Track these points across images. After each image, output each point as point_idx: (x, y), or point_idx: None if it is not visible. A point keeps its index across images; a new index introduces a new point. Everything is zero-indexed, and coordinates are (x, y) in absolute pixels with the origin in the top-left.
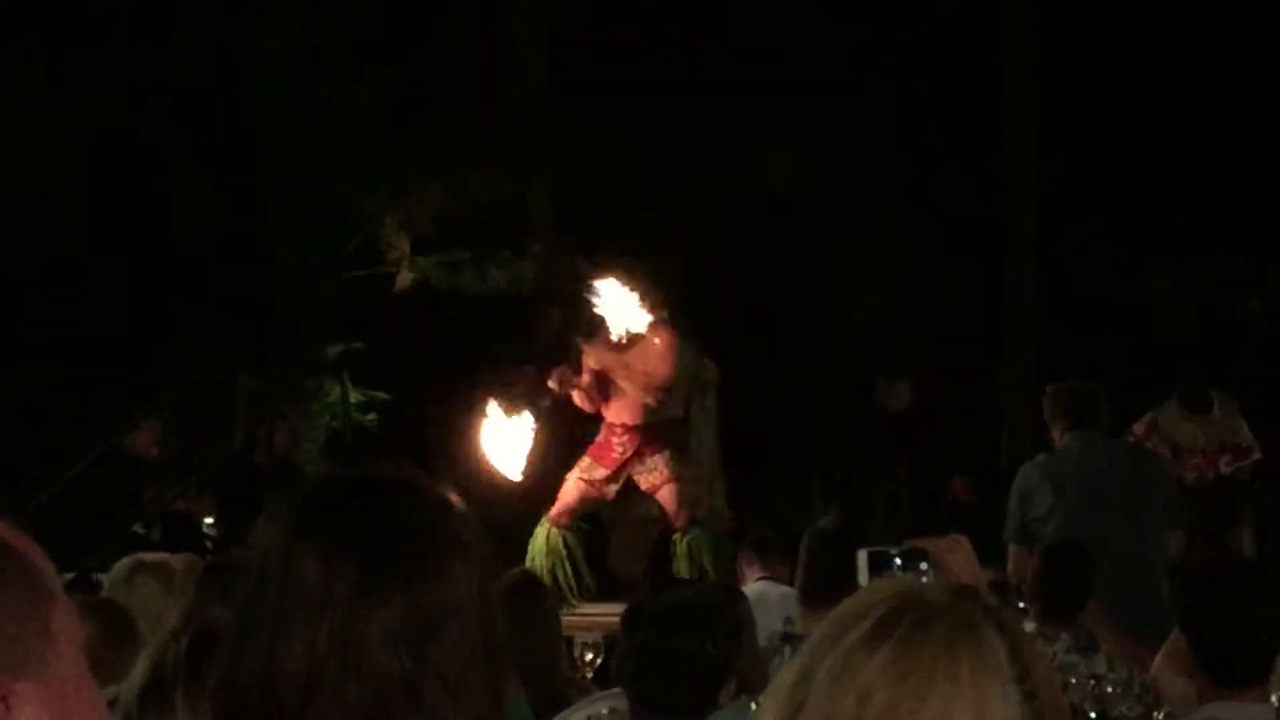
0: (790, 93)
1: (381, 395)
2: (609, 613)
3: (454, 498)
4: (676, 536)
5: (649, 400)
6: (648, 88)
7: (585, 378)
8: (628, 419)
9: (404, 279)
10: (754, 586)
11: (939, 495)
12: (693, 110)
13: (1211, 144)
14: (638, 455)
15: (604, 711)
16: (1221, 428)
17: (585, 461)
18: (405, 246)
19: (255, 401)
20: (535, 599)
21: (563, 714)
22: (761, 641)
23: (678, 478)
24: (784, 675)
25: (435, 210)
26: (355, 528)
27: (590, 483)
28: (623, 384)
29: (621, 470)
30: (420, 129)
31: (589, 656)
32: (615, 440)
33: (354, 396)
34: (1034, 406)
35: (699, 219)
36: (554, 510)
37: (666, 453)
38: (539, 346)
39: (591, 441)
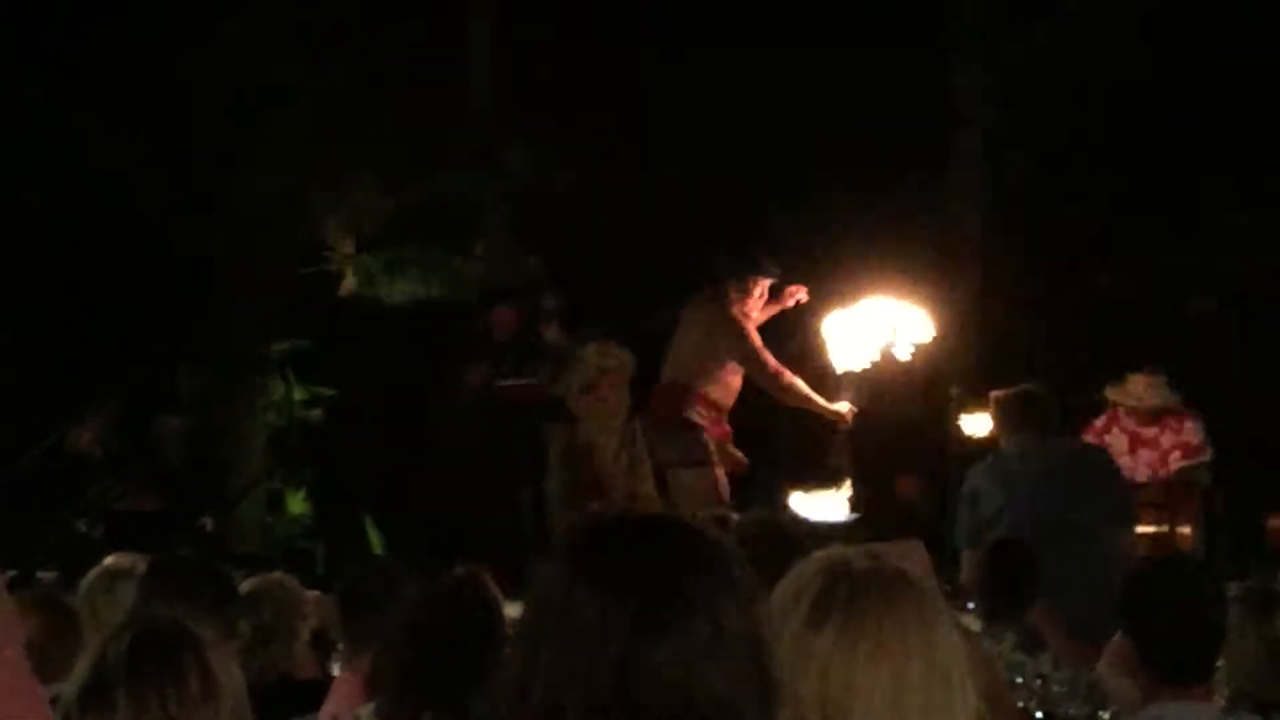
0: (743, 94)
1: (326, 392)
2: None
3: (719, 533)
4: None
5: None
6: (599, 89)
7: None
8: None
9: (349, 279)
10: None
11: (886, 495)
12: (646, 111)
13: (1159, 142)
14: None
15: None
16: (1167, 393)
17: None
18: (350, 246)
19: (198, 399)
20: None
21: None
22: None
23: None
24: None
25: (381, 210)
26: (631, 565)
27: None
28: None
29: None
30: (367, 129)
31: None
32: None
33: (299, 394)
34: (981, 407)
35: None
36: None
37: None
38: (487, 346)
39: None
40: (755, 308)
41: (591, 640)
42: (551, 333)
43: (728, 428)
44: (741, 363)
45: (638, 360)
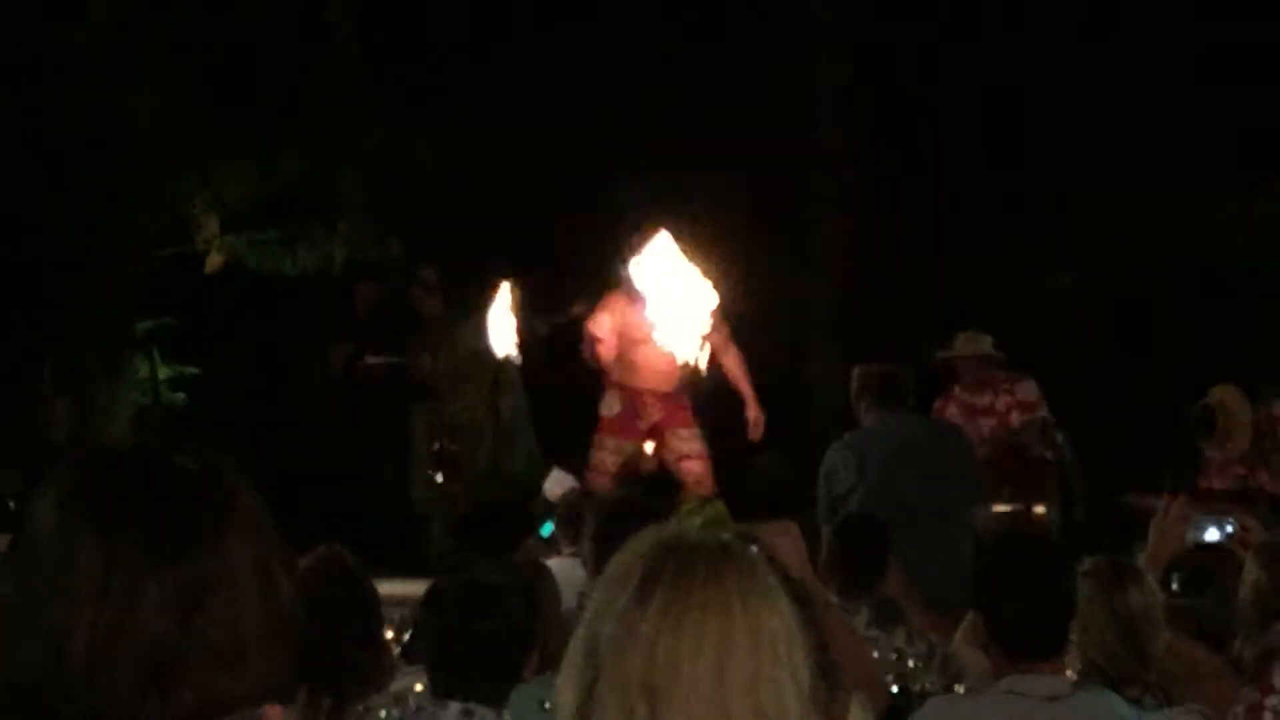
0: (615, 71)
1: (190, 370)
2: None
3: (229, 469)
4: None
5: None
6: (461, 69)
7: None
8: (663, 386)
9: (214, 258)
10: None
11: (744, 471)
12: (509, 91)
13: (1016, 120)
14: (668, 425)
15: (417, 687)
16: (988, 346)
17: (611, 441)
18: (215, 225)
19: (61, 378)
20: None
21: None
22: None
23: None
24: (572, 648)
25: (245, 189)
26: (129, 501)
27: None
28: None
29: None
30: (230, 108)
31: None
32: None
33: (163, 372)
34: (841, 386)
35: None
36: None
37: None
38: (352, 326)
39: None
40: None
41: (92, 581)
42: (432, 305)
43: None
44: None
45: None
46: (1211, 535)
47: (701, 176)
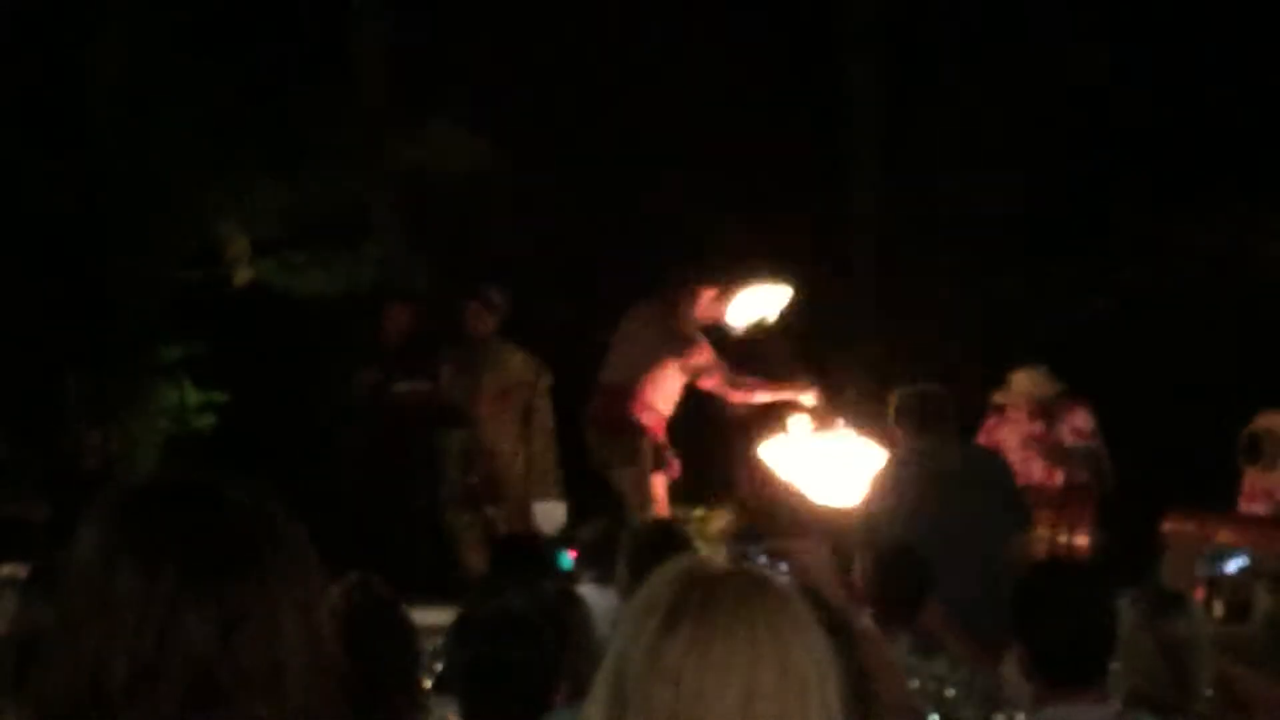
0: (641, 90)
1: (219, 397)
2: None
3: (269, 499)
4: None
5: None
6: (491, 88)
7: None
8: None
9: (242, 279)
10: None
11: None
12: (538, 109)
13: (1055, 140)
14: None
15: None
16: (1052, 383)
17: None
18: (244, 247)
19: (86, 404)
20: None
21: None
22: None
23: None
24: (600, 679)
25: (273, 210)
26: (172, 530)
27: None
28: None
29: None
30: (258, 127)
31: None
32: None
33: (193, 399)
34: (877, 408)
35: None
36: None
37: None
38: (381, 349)
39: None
40: (705, 315)
41: (133, 606)
42: (487, 325)
43: (664, 435)
44: (705, 374)
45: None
46: (1229, 568)
47: (738, 187)
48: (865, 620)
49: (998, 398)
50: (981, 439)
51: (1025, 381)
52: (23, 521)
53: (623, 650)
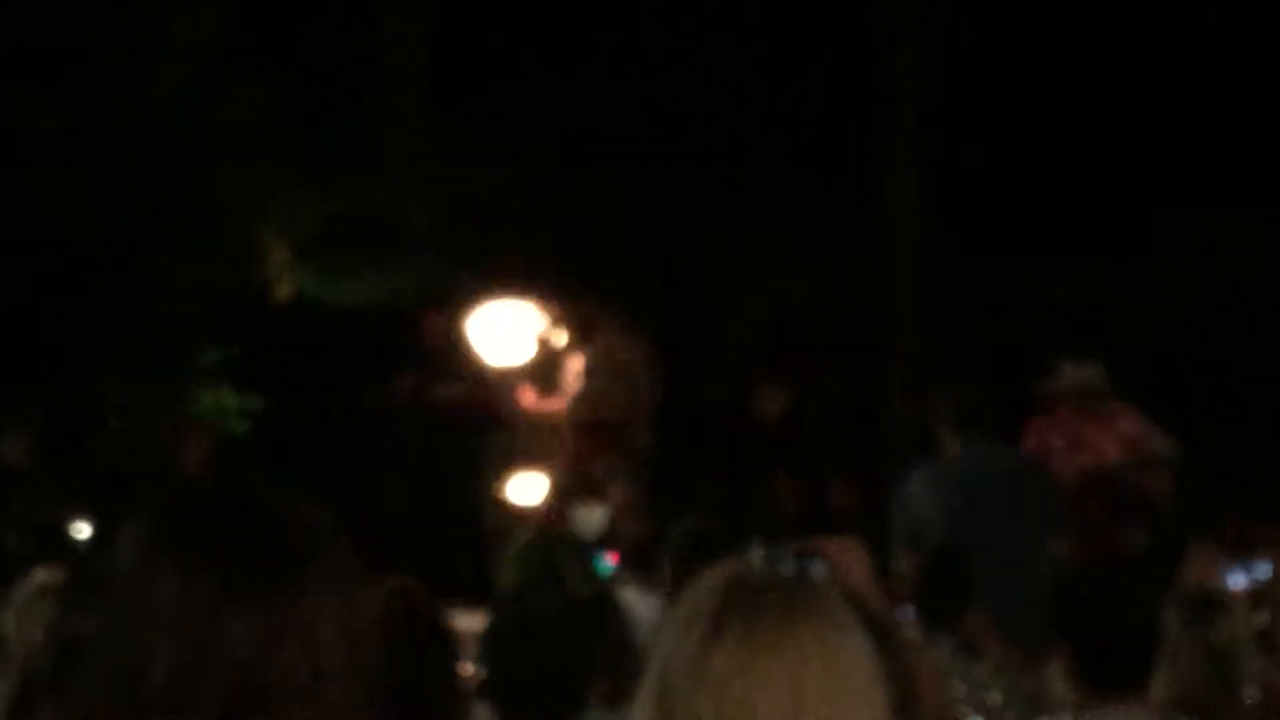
0: (672, 101)
1: (258, 403)
2: None
3: (310, 507)
4: None
5: None
6: (528, 96)
7: None
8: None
9: (281, 287)
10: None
11: (820, 499)
12: (574, 119)
13: (1104, 140)
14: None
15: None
16: (1101, 378)
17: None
18: (282, 254)
19: (126, 410)
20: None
21: None
22: None
23: None
24: (645, 685)
25: (312, 218)
26: (213, 538)
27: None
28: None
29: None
30: (296, 134)
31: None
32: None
33: (231, 404)
34: (917, 409)
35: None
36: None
37: None
38: (419, 356)
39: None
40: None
41: (172, 614)
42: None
43: None
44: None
45: None
46: (1238, 581)
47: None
48: (907, 625)
49: (1046, 385)
50: (1030, 435)
51: (1074, 375)
52: (61, 527)
53: (667, 658)
